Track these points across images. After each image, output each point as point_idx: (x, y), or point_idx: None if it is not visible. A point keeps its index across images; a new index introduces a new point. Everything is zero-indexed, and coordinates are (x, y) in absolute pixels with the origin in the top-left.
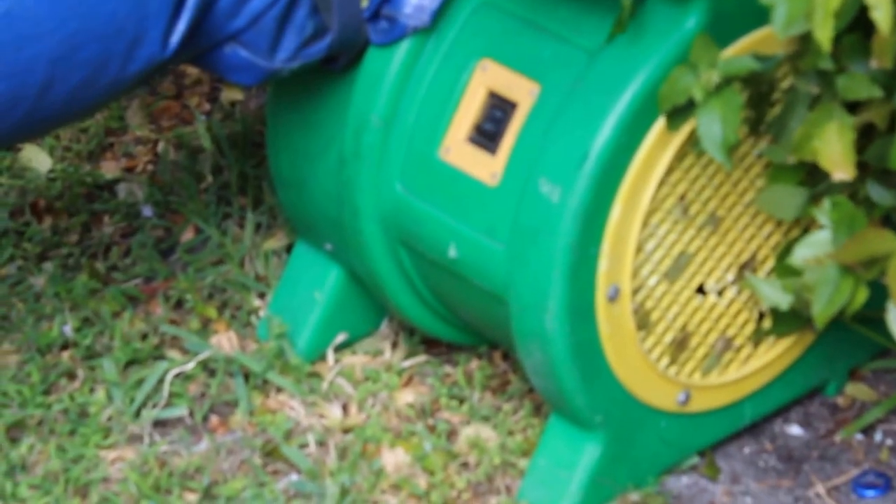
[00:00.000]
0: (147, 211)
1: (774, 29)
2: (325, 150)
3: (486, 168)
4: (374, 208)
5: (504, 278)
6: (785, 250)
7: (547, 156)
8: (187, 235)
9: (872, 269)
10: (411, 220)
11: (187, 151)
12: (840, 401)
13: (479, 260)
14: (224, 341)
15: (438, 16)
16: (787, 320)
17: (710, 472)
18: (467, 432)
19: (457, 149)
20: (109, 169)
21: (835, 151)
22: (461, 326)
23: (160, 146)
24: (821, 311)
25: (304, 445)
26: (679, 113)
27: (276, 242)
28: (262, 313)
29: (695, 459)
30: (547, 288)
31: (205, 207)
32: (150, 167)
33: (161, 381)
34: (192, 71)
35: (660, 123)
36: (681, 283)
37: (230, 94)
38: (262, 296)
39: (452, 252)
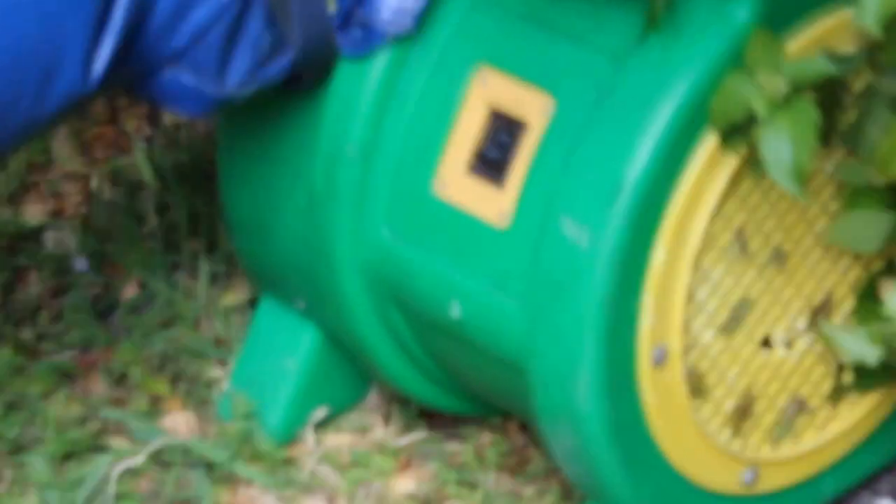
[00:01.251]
0: (80, 264)
1: (862, 21)
2: (291, 189)
3: (493, 205)
4: (355, 259)
5: (520, 342)
6: (867, 288)
7: (569, 189)
8: (129, 292)
9: None
10: (402, 273)
11: (126, 187)
12: None
13: (488, 320)
14: (179, 424)
15: (423, 19)
16: (874, 373)
17: None
18: None
19: (455, 182)
20: (33, 213)
21: None
22: (467, 394)
23: (93, 182)
24: None
25: None
26: (736, 131)
27: (236, 296)
28: (223, 385)
29: None
30: (577, 355)
31: (149, 256)
32: (82, 209)
33: (105, 479)
34: None
35: (709, 143)
36: (741, 337)
37: (174, 116)
38: (222, 363)
39: (455, 311)
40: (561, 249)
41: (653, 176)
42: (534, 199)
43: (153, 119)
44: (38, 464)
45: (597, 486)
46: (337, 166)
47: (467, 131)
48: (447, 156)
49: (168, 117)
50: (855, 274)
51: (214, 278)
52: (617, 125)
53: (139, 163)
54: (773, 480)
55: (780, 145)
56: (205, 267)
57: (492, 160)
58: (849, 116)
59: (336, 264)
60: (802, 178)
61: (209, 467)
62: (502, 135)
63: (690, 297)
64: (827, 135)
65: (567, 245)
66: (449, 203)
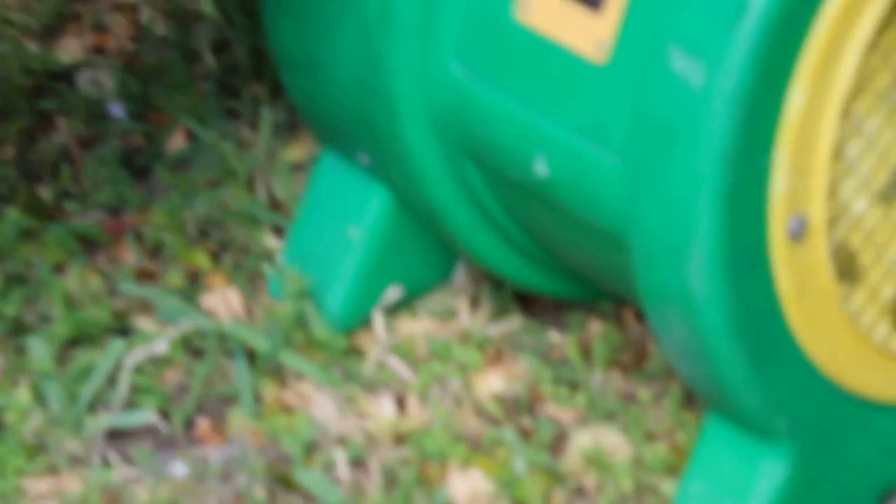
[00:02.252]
0: (117, 110)
1: None
2: (342, 14)
3: (588, 34)
4: (420, 102)
5: (620, 207)
6: None
7: (680, 11)
8: (174, 144)
9: None
10: (477, 119)
11: (180, 21)
12: None
13: (580, 179)
14: (219, 304)
15: None
16: None
17: None
18: (582, 439)
19: (541, 3)
20: (70, 49)
21: None
22: (570, 274)
23: (143, 14)
24: None
25: (331, 466)
26: None
27: (301, 151)
28: (279, 258)
29: None
30: (691, 223)
31: (201, 102)
32: (127, 46)
33: (117, 368)
34: None
35: None
36: None
37: None
38: (278, 232)
39: (541, 167)
40: (670, 89)
41: None
42: (639, 26)
43: None
44: (38, 348)
45: (717, 389)
46: None
47: None
48: None
49: None
50: None
51: (277, 130)
52: None
53: None
54: None
55: None
56: (266, 116)
57: None
58: None
59: (397, 108)
60: None
61: (252, 357)
62: None
63: (838, 155)
64: None
65: (677, 83)
66: (535, 32)
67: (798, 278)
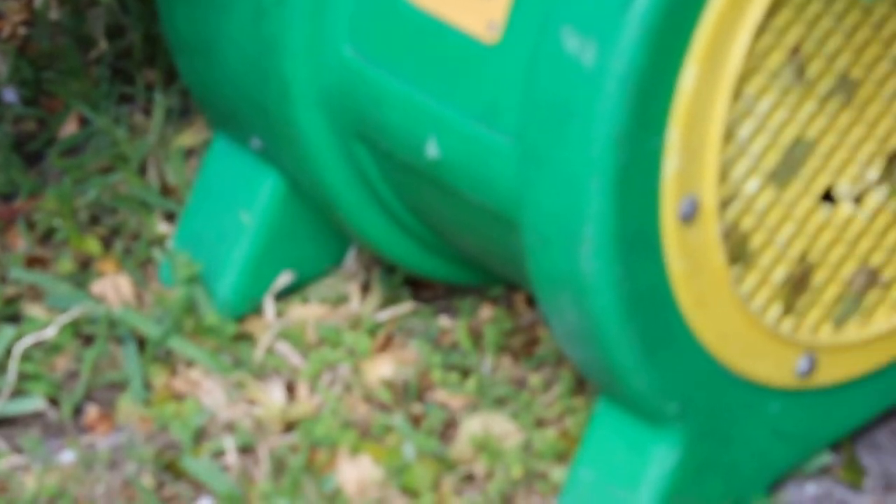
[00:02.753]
0: (10, 95)
1: None
2: None
3: (480, 15)
4: (312, 84)
5: (511, 189)
6: None
7: None
8: (68, 129)
9: None
10: (368, 101)
11: (73, 6)
12: None
13: (472, 161)
14: (109, 290)
15: None
16: None
17: (851, 477)
18: (472, 425)
19: None
20: None
21: None
22: (462, 259)
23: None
24: None
25: (220, 454)
26: None
27: (195, 137)
28: (171, 244)
29: (827, 458)
30: (582, 205)
31: (94, 87)
32: (20, 31)
33: (6, 355)
34: None
35: None
36: (796, 189)
37: None
38: (170, 218)
39: (432, 150)
40: (561, 69)
41: None
42: (530, 5)
43: None
44: None
45: (608, 373)
46: None
47: None
48: None
49: None
50: None
51: (170, 115)
52: None
53: None
54: (836, 371)
55: None
56: (160, 101)
57: None
58: None
59: (289, 90)
60: None
61: (142, 343)
62: None
63: (730, 136)
64: None
65: (568, 63)
66: (427, 13)
67: (689, 260)
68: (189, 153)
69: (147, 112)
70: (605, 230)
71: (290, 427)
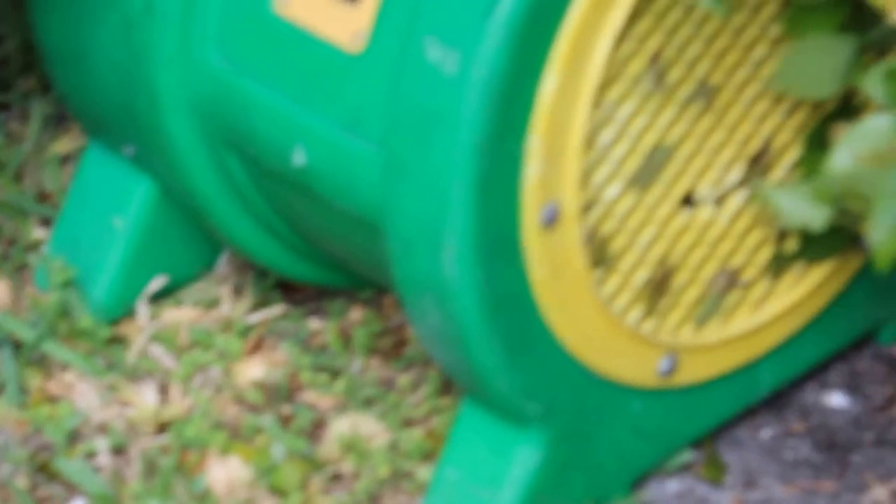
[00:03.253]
0: None
1: None
2: (108, 4)
3: (345, 25)
4: (181, 92)
5: (376, 195)
6: (817, 133)
7: (434, 1)
8: None
9: None
10: (237, 110)
11: None
12: None
13: (338, 169)
14: None
15: None
16: (823, 239)
17: (712, 473)
18: (340, 425)
19: None
20: None
21: None
22: (332, 263)
23: None
24: (885, 242)
25: (93, 455)
26: None
27: (71, 143)
28: (46, 249)
29: (688, 455)
30: (444, 210)
31: None
32: None
33: None
34: None
35: None
36: (657, 192)
37: None
38: (46, 224)
39: (299, 157)
40: (423, 77)
41: None
42: (395, 15)
43: None
44: None
45: (471, 375)
46: None
47: None
48: None
49: None
50: (801, 116)
51: (47, 122)
52: None
53: None
54: (697, 370)
55: None
56: (36, 109)
57: None
58: None
59: (159, 99)
60: None
61: (17, 347)
62: None
63: (591, 142)
64: None
65: (430, 72)
66: (293, 23)
67: (551, 265)
68: (65, 160)
69: (24, 119)
70: (466, 235)
71: (162, 428)
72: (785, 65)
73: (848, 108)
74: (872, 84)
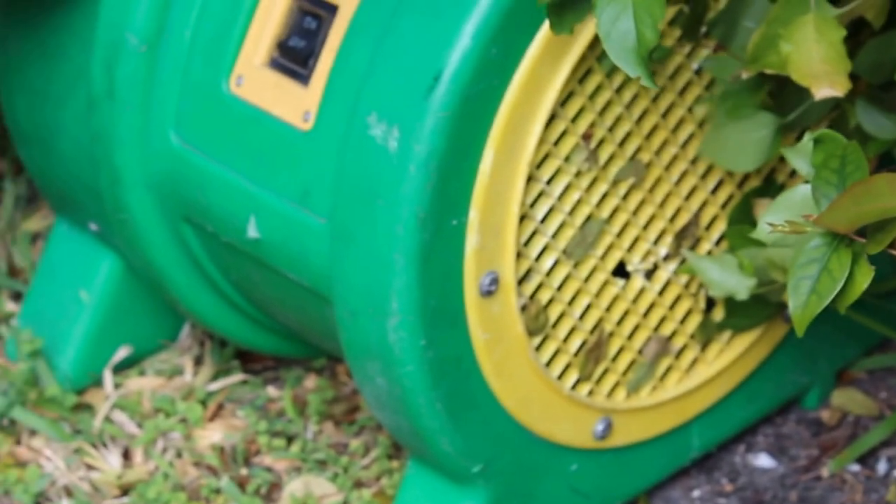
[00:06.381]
0: None
1: None
2: (71, 89)
3: (296, 105)
4: (141, 170)
5: (325, 266)
6: (741, 209)
7: (377, 81)
8: None
9: (879, 237)
10: (194, 186)
11: None
12: (825, 415)
13: (289, 241)
14: None
15: None
16: (748, 309)
17: None
18: (294, 487)
19: (253, 78)
20: None
21: (814, 58)
22: (287, 333)
23: None
24: (801, 308)
25: None
26: (568, 6)
27: (41, 221)
28: (15, 322)
29: None
30: (388, 282)
31: None
32: None
33: None
34: None
35: (546, 25)
36: (591, 264)
37: None
38: (17, 297)
39: (252, 231)
40: (367, 154)
41: (476, 63)
42: (341, 96)
43: None
44: None
45: (415, 438)
46: (117, 59)
47: (267, 17)
48: (245, 47)
49: None
50: (726, 192)
51: (18, 202)
52: (435, 3)
53: None
54: (631, 432)
55: (619, 18)
56: (9, 189)
57: (295, 51)
58: (719, 4)
59: (120, 176)
60: (647, 57)
61: None
62: (308, 20)
63: (526, 215)
64: (694, 24)
65: (374, 148)
66: (246, 102)
67: (491, 332)
68: (35, 237)
69: None
70: (409, 304)
71: (125, 490)
72: (711, 137)
73: (770, 185)
74: (796, 154)
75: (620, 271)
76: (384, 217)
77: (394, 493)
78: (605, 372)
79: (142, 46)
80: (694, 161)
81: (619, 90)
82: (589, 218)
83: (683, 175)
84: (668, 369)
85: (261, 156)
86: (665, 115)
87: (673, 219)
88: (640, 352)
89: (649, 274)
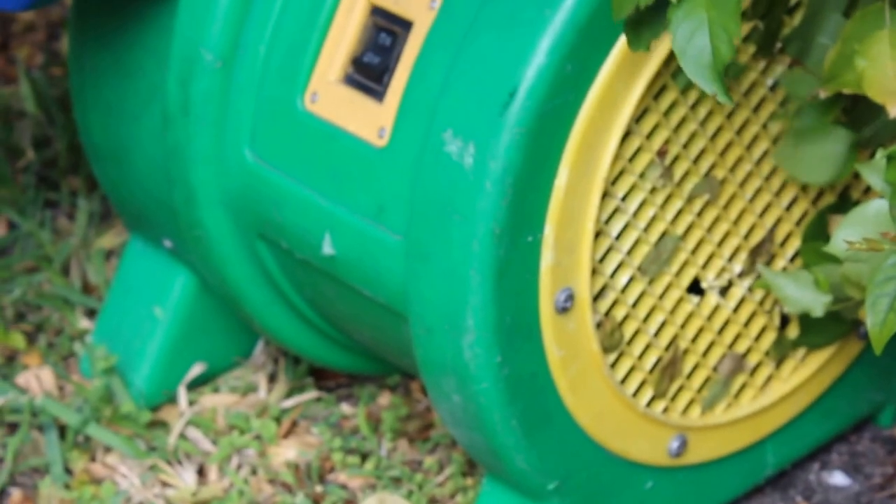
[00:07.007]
0: None
1: None
2: (146, 105)
3: (371, 121)
4: (216, 187)
5: (401, 283)
6: (816, 225)
7: (453, 98)
8: None
9: None
10: (268, 202)
11: (3, 118)
12: None
13: (364, 258)
14: (33, 382)
15: None
16: (823, 326)
17: None
18: None
19: (328, 94)
20: None
21: (890, 74)
22: (361, 349)
23: None
24: (880, 326)
25: None
26: (645, 22)
27: (115, 239)
28: (91, 339)
29: None
30: (463, 298)
31: (21, 193)
32: None
33: None
34: (24, 15)
35: (621, 42)
36: (665, 281)
37: None
38: (91, 314)
39: (327, 247)
40: (443, 170)
41: (553, 81)
42: (417, 112)
43: (49, 48)
44: None
45: (491, 455)
46: (192, 77)
47: (343, 34)
48: (320, 63)
49: (65, 44)
50: (801, 209)
51: (92, 219)
52: (511, 21)
53: (23, 92)
54: (705, 450)
55: (695, 34)
56: (83, 206)
57: (371, 67)
58: (794, 20)
59: (195, 193)
60: (723, 73)
61: (62, 431)
62: (384, 36)
63: (602, 232)
64: (769, 40)
65: (449, 165)
66: (321, 119)
67: (566, 348)
68: (109, 254)
69: (70, 216)
70: (485, 320)
71: None
72: (785, 149)
73: (845, 202)
74: (870, 170)
75: (695, 288)
76: (460, 233)
77: None
78: (680, 389)
79: (217, 63)
80: (768, 177)
81: (693, 106)
82: (663, 234)
83: (758, 191)
84: (743, 386)
85: (336, 172)
86: (739, 131)
87: (747, 236)
88: (714, 369)
89: (724, 291)
